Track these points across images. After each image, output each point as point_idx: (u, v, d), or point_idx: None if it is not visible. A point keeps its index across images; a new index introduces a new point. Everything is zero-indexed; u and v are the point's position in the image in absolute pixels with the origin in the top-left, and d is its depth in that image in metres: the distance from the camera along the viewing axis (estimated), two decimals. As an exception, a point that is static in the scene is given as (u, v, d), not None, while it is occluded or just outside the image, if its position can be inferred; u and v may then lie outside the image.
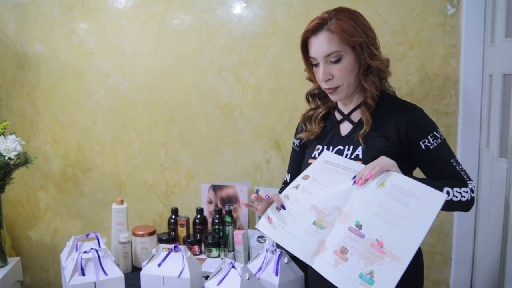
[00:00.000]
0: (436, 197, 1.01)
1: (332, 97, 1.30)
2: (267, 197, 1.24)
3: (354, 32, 1.20)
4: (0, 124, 1.83)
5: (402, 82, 1.83)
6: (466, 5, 1.73)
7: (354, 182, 1.13)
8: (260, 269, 1.49)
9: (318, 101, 1.42)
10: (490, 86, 1.67)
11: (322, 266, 1.09)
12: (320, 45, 1.22)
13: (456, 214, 1.83)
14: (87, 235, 1.68)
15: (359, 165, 1.18)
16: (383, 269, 0.99)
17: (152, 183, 2.12)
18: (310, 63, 1.31)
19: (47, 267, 2.25)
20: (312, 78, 1.36)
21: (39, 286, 2.27)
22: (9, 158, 1.74)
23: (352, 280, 1.02)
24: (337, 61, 1.22)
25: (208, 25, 1.97)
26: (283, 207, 1.22)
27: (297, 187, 1.26)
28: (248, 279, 1.34)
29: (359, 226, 1.08)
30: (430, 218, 1.00)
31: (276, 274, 1.44)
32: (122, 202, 1.88)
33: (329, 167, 1.23)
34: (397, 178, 1.09)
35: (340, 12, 1.23)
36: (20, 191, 2.18)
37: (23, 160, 1.82)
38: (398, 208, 1.04)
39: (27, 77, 2.10)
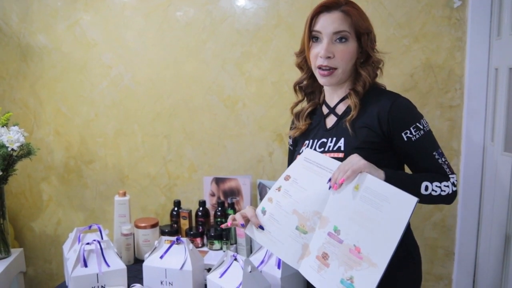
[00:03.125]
0: (407, 201, 1.00)
1: (323, 80, 1.27)
2: (243, 225, 1.25)
3: (367, 21, 1.25)
4: (3, 115, 1.83)
5: (407, 76, 1.81)
6: (472, -2, 1.71)
7: (330, 187, 1.13)
8: (262, 262, 1.49)
9: (303, 94, 1.41)
10: (495, 80, 1.65)
11: (307, 271, 1.12)
12: (333, 21, 1.21)
13: (460, 208, 1.82)
14: (90, 226, 1.68)
15: (336, 164, 1.16)
16: (362, 275, 1.01)
17: (155, 175, 2.12)
18: (309, 38, 1.28)
19: (49, 258, 2.26)
20: (306, 54, 1.31)
21: (42, 277, 2.28)
22: (12, 150, 1.74)
23: (334, 286, 1.04)
24: (343, 42, 1.22)
25: (211, 17, 1.96)
26: (262, 228, 1.23)
27: (279, 189, 1.26)
28: (250, 272, 1.34)
29: (338, 231, 1.08)
30: (402, 222, 0.99)
31: (278, 267, 1.44)
32: (124, 194, 1.88)
33: (309, 166, 1.22)
34: (371, 181, 1.07)
35: (352, 3, 1.25)
36: (23, 182, 2.19)
37: (26, 151, 1.82)
38: (371, 212, 1.04)
39: (30, 69, 2.10)
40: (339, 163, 1.15)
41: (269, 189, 1.85)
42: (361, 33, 1.23)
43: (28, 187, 2.19)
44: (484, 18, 1.70)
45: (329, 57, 1.23)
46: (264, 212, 1.26)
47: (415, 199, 0.99)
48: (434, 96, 1.81)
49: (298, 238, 1.16)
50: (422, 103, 1.80)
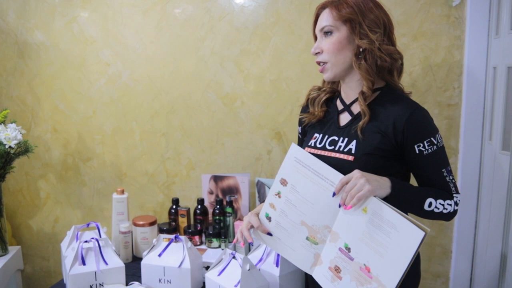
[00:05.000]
0: (415, 234, 1.01)
1: (324, 76, 1.29)
2: (251, 243, 1.28)
3: (346, 9, 1.20)
4: (1, 112, 1.82)
5: (405, 74, 1.81)
6: (471, -4, 1.71)
7: (340, 206, 1.14)
8: (260, 260, 1.49)
9: (328, 83, 1.38)
10: (494, 79, 1.66)
11: (321, 279, 1.18)
12: (321, 19, 1.25)
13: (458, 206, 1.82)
14: (88, 224, 1.68)
15: (335, 175, 1.15)
16: None
17: (153, 173, 2.12)
18: (315, 40, 1.32)
19: (47, 256, 2.25)
20: None
21: (40, 275, 2.28)
22: (10, 147, 1.74)
23: None
24: (327, 36, 1.23)
25: (210, 15, 1.95)
26: (271, 235, 1.27)
27: (279, 195, 1.25)
28: (248, 270, 1.34)
29: (348, 249, 1.12)
30: (410, 252, 1.01)
31: (277, 265, 1.44)
32: (122, 192, 1.88)
33: (304, 172, 1.20)
34: (378, 206, 1.08)
35: None
36: (21, 180, 2.18)
37: (24, 149, 1.82)
38: (380, 237, 1.06)
39: (27, 66, 2.09)
40: (337, 173, 1.15)
41: (268, 187, 1.87)
42: (346, 22, 1.20)
43: (25, 184, 2.19)
44: (482, 16, 1.70)
45: (318, 53, 1.26)
46: (269, 218, 1.27)
47: (422, 233, 1.00)
48: (432, 94, 1.81)
49: (309, 248, 1.20)
50: (421, 102, 1.80)
